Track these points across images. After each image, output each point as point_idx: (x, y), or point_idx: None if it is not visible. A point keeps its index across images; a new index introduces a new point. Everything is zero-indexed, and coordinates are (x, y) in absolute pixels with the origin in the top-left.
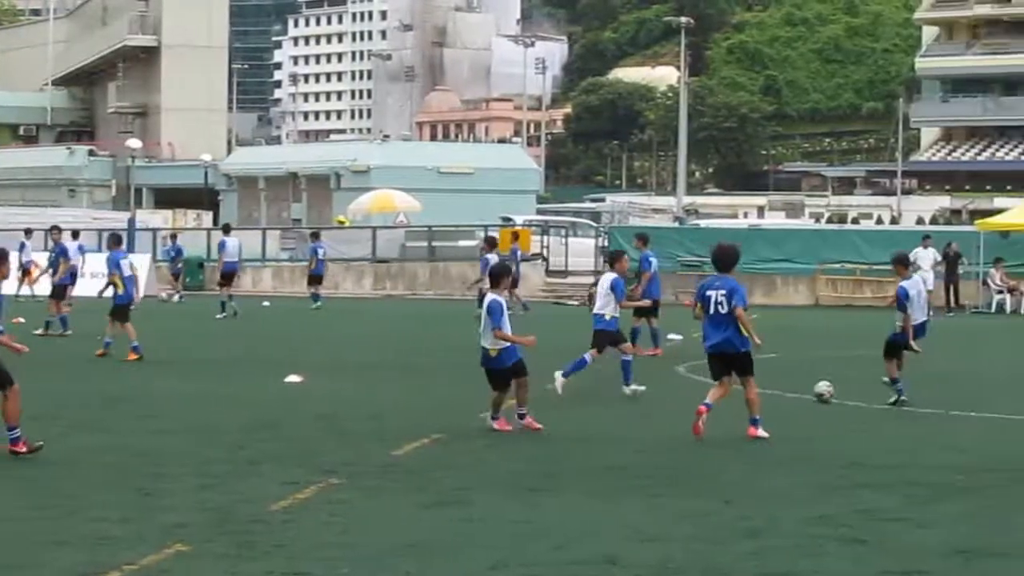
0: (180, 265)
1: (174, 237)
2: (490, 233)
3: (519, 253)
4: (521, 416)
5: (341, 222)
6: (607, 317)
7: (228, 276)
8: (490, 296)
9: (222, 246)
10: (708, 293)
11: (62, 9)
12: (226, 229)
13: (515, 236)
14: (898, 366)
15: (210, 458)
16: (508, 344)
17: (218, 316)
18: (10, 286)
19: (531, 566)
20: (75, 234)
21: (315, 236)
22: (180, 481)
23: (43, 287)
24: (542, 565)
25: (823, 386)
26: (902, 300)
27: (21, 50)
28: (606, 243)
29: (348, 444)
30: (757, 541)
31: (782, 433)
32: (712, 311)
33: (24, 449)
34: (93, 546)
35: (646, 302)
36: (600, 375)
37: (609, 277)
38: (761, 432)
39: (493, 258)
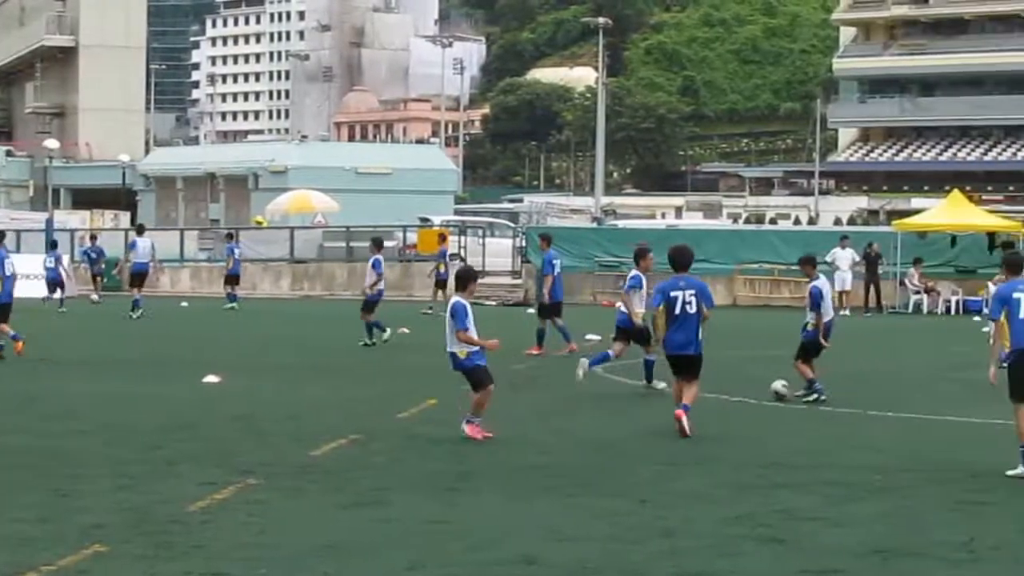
0: (103, 266)
1: (94, 238)
2: (376, 235)
3: (448, 254)
4: (469, 422)
5: (259, 222)
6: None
7: (137, 276)
8: (455, 299)
9: (132, 246)
10: (674, 294)
11: None
12: (139, 230)
13: (442, 237)
14: (811, 367)
15: (127, 459)
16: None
17: (132, 316)
18: None
19: (449, 566)
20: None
21: (231, 236)
22: (97, 482)
23: None
24: (460, 565)
25: (779, 385)
26: (816, 299)
27: None
28: (524, 243)
29: (266, 444)
30: (673, 540)
31: (699, 433)
32: (679, 311)
33: None
34: (11, 547)
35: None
36: (516, 376)
37: (630, 276)
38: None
39: (381, 259)
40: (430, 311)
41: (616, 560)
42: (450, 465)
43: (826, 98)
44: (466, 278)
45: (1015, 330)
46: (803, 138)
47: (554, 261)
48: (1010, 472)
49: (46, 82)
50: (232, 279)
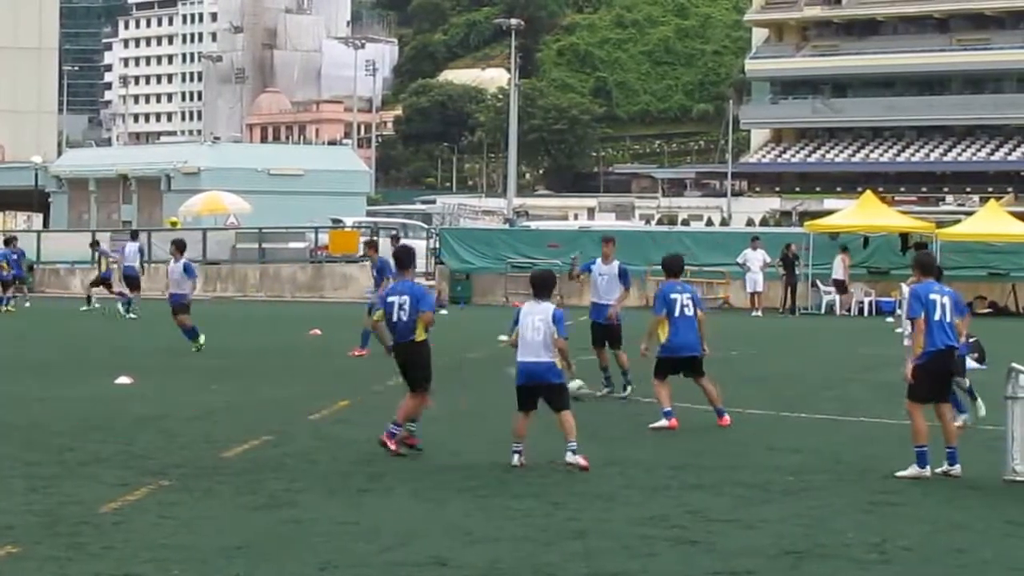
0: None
1: (12, 240)
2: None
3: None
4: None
5: (173, 223)
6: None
7: (131, 280)
8: (551, 306)
9: (121, 250)
10: (673, 296)
11: None
12: (133, 235)
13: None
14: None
15: (38, 460)
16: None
17: (128, 315)
18: None
19: (360, 567)
20: None
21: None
22: (8, 484)
23: None
24: (371, 566)
25: (574, 386)
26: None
27: None
28: (436, 245)
29: (178, 446)
30: (586, 542)
31: (608, 434)
32: (679, 313)
33: None
34: None
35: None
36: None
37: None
38: (728, 419)
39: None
40: None
41: (529, 561)
42: (361, 466)
43: (738, 99)
44: (551, 284)
45: (930, 331)
46: (716, 139)
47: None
48: (900, 473)
49: None
50: (106, 282)
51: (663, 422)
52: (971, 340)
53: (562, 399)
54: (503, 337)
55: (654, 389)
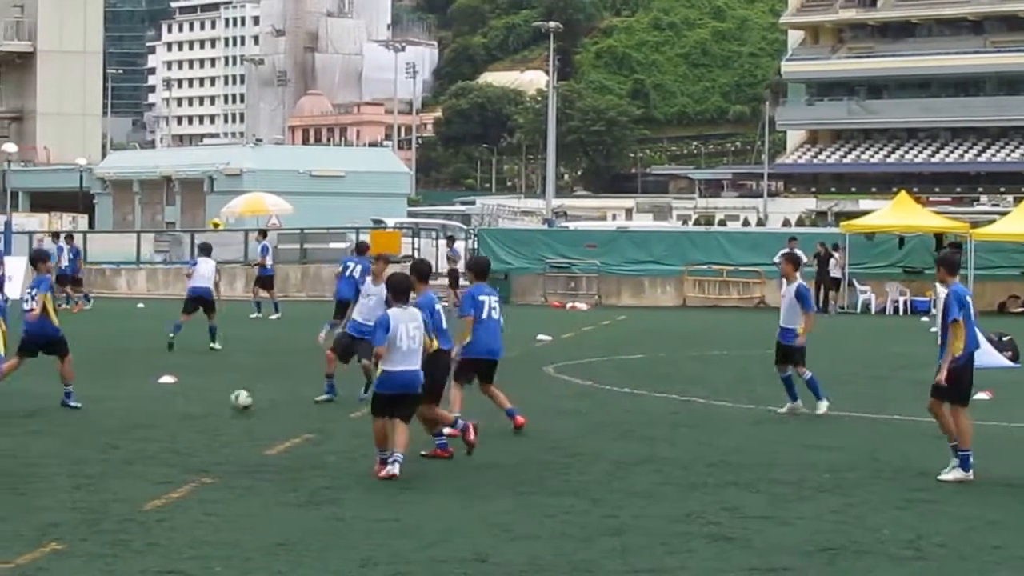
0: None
1: (70, 236)
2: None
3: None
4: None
5: (216, 225)
6: (797, 330)
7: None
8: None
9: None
10: (481, 298)
11: None
12: (203, 249)
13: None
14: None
15: (84, 458)
16: None
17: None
18: None
19: (401, 564)
20: None
21: (263, 234)
22: (54, 481)
23: None
24: (411, 563)
25: (241, 398)
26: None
27: None
28: (476, 245)
29: (221, 444)
30: (623, 538)
31: (647, 433)
32: (486, 315)
33: None
34: None
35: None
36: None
37: (795, 285)
38: (523, 419)
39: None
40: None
41: (568, 558)
42: (402, 464)
43: (775, 101)
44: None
45: (969, 333)
46: (752, 140)
47: (348, 263)
48: (943, 476)
49: (4, 87)
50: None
51: (448, 431)
52: (1005, 339)
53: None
54: (542, 336)
55: (451, 392)
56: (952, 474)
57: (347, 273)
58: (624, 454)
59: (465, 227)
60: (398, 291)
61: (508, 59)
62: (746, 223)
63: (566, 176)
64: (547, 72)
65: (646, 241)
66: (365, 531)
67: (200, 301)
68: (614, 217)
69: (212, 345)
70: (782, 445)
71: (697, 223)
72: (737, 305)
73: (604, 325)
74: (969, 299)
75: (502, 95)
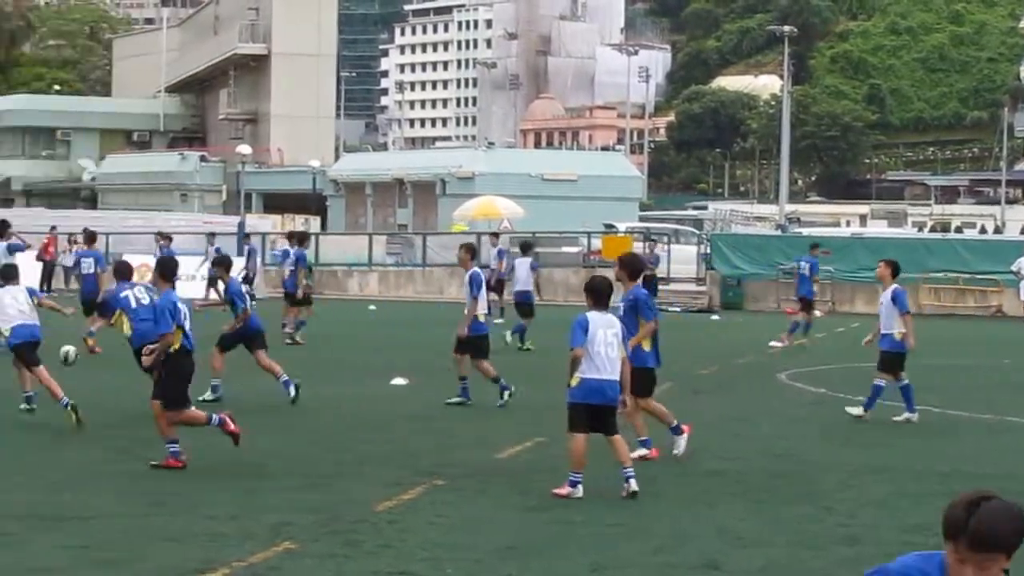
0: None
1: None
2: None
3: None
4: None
5: (460, 229)
6: (897, 336)
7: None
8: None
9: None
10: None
11: (175, 19)
12: (524, 248)
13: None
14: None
15: (316, 459)
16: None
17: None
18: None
19: (631, 568)
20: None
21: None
22: (286, 481)
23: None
24: (642, 568)
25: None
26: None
27: (135, 58)
28: (708, 251)
29: (451, 446)
30: (857, 548)
31: (879, 441)
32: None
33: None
34: (203, 544)
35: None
36: (700, 381)
37: (891, 289)
38: None
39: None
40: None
41: (800, 567)
42: (634, 469)
43: (1013, 106)
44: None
45: None
46: (990, 147)
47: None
48: None
49: (239, 89)
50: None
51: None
52: None
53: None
54: (775, 343)
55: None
56: None
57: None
58: (856, 462)
59: (697, 232)
60: (598, 295)
61: (742, 63)
62: (983, 230)
63: (799, 181)
64: (781, 77)
65: (881, 248)
66: (594, 535)
67: (522, 305)
68: (848, 223)
69: (521, 346)
70: (1020, 455)
71: (933, 230)
72: (974, 313)
73: (838, 332)
74: None
75: (735, 99)
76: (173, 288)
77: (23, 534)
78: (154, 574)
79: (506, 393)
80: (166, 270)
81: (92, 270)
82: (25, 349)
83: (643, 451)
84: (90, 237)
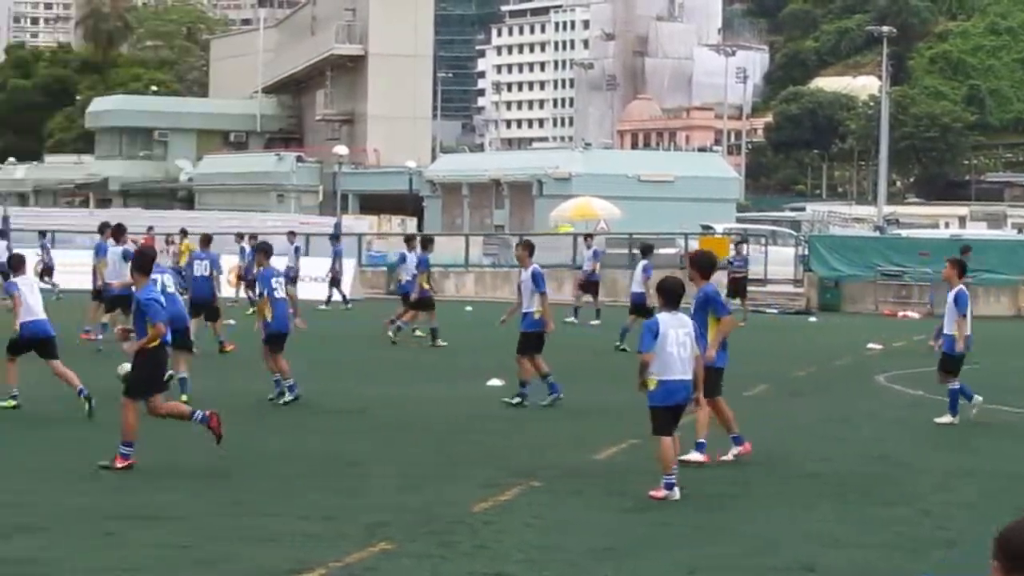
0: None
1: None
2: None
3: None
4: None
5: (564, 230)
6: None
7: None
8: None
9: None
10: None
11: (272, 19)
12: (644, 251)
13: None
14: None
15: (412, 459)
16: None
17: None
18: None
19: (727, 571)
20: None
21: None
22: (382, 481)
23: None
24: (738, 570)
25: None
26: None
27: (232, 59)
28: (805, 252)
29: (548, 447)
30: (953, 552)
31: (974, 444)
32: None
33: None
34: (298, 544)
35: None
36: (798, 383)
37: (955, 290)
38: None
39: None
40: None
41: (897, 570)
42: (727, 471)
43: None
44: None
45: None
46: None
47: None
48: None
49: (335, 90)
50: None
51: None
52: None
53: None
54: (872, 345)
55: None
56: None
57: None
58: (952, 466)
59: (794, 233)
60: (669, 295)
61: (840, 64)
62: None
63: (898, 183)
64: (880, 77)
65: (981, 250)
66: (690, 537)
67: (634, 305)
68: (947, 225)
69: (617, 344)
70: None
71: None
72: None
73: None
74: None
75: (833, 100)
76: (154, 283)
77: (123, 533)
78: (251, 574)
79: (552, 396)
80: (143, 264)
81: (207, 272)
82: (34, 346)
83: (736, 449)
84: (205, 239)
